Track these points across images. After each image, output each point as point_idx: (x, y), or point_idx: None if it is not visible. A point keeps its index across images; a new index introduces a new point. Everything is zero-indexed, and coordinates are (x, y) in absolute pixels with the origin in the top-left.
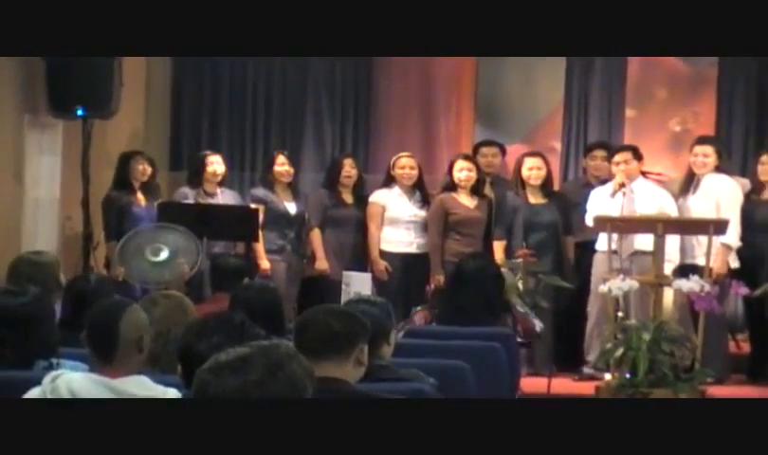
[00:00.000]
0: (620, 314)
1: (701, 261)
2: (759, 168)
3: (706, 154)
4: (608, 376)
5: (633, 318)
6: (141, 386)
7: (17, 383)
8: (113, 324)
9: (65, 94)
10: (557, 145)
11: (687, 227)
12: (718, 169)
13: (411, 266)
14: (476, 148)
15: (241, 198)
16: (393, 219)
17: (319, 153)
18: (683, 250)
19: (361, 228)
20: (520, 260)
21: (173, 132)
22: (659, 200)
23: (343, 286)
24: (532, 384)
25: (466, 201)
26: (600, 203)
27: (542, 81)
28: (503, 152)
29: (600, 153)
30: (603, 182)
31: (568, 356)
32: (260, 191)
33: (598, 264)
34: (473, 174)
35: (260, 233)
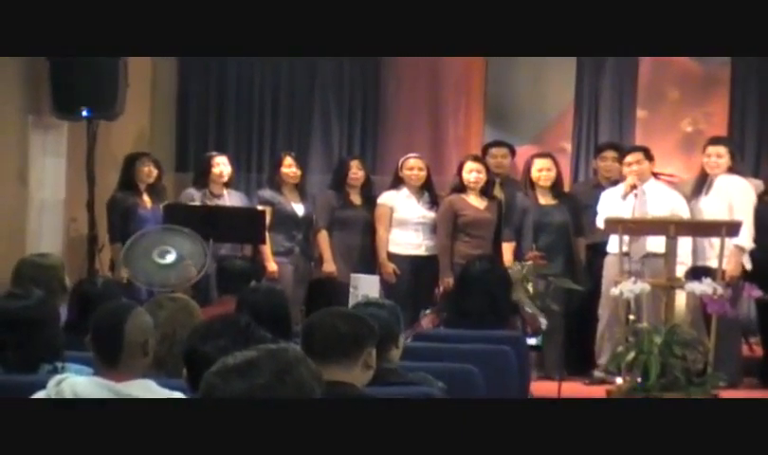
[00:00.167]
0: (631, 317)
1: (713, 263)
2: None
3: (719, 155)
4: (619, 380)
5: (645, 321)
6: (146, 389)
7: (21, 387)
8: (118, 327)
9: (70, 94)
10: (568, 146)
11: (700, 228)
12: (731, 170)
13: (419, 269)
14: (485, 149)
15: (248, 200)
16: (401, 221)
17: (326, 154)
18: (695, 252)
19: (369, 230)
20: (529, 262)
21: (179, 133)
22: (671, 201)
23: (351, 289)
24: (542, 388)
25: (475, 202)
26: (611, 204)
27: (552, 82)
28: (513, 152)
29: (611, 153)
30: (614, 183)
31: (579, 360)
32: (267, 193)
33: (609, 267)
34: (483, 176)
35: (267, 235)
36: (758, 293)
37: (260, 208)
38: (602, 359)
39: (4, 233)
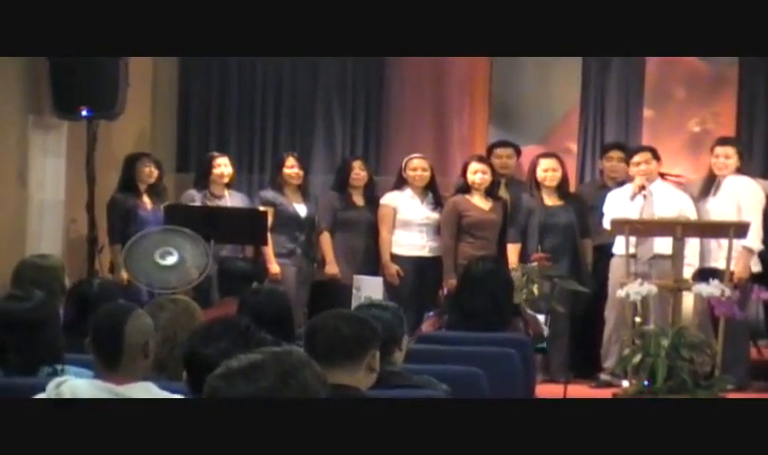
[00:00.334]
0: (638, 319)
1: (721, 264)
2: None
3: (727, 156)
4: (625, 383)
5: (652, 324)
6: (147, 392)
7: (21, 389)
8: (117, 329)
9: (70, 94)
10: (573, 146)
11: (707, 229)
12: (739, 170)
13: (423, 270)
14: (490, 149)
15: (249, 201)
16: (404, 222)
17: (329, 154)
18: (702, 254)
19: (372, 231)
20: (535, 263)
21: (180, 133)
22: (678, 202)
23: (354, 291)
24: (548, 391)
25: (479, 203)
26: (618, 205)
27: (558, 81)
28: (518, 153)
29: (616, 154)
30: (620, 184)
31: (585, 363)
32: (269, 194)
33: (616, 268)
34: (487, 176)
35: (269, 236)
36: (766, 295)
37: (261, 208)
38: (608, 362)
39: (4, 234)
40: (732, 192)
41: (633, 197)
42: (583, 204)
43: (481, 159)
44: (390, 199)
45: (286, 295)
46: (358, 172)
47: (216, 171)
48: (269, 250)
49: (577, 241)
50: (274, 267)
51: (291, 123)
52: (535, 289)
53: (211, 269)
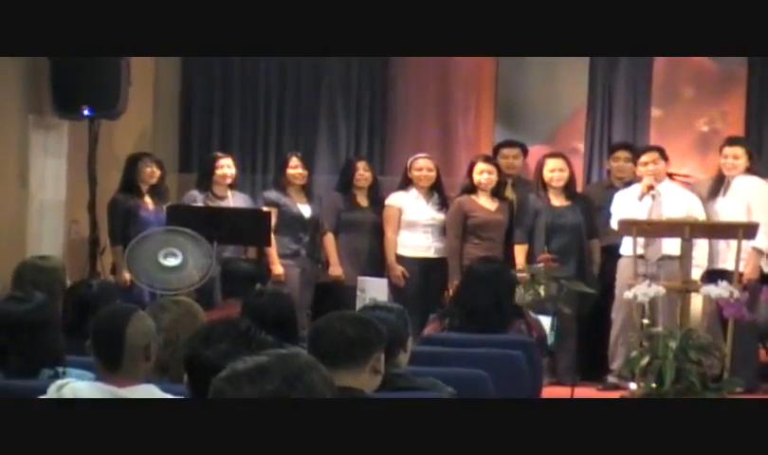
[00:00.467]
0: (646, 321)
1: (730, 266)
2: None
3: (736, 156)
4: (633, 386)
5: (660, 326)
6: (149, 395)
7: (22, 392)
8: (118, 331)
9: (71, 93)
10: (580, 146)
11: (716, 230)
12: (748, 170)
13: (428, 271)
14: (497, 149)
15: (252, 201)
16: (410, 222)
17: (333, 154)
18: (711, 255)
19: (377, 232)
20: (541, 264)
21: (182, 132)
22: (686, 203)
23: (358, 292)
24: (554, 393)
25: (485, 204)
26: (625, 206)
27: (565, 80)
28: (525, 152)
29: (623, 154)
30: (627, 184)
31: (592, 365)
32: (273, 194)
33: (623, 269)
34: (494, 177)
35: (273, 237)
36: None
37: (265, 209)
38: (616, 364)
39: (4, 235)
40: (741, 193)
41: (642, 197)
42: (590, 204)
43: (487, 159)
44: (395, 200)
45: (290, 296)
46: (362, 173)
47: (219, 171)
48: (273, 251)
49: (584, 242)
50: (278, 269)
51: (295, 123)
52: (541, 290)
53: (214, 271)
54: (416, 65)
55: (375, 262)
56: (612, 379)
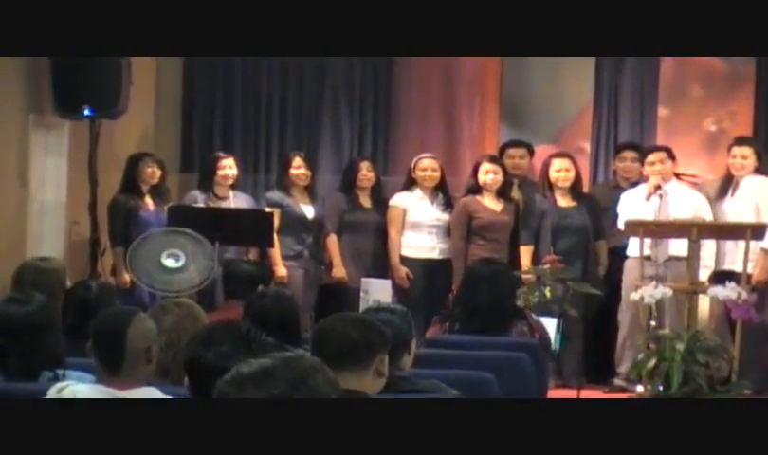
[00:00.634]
0: (653, 323)
1: (738, 267)
2: None
3: (744, 156)
4: (640, 388)
5: (667, 328)
6: (150, 398)
7: (22, 394)
8: (119, 333)
9: (72, 93)
10: (587, 146)
11: (724, 231)
12: (757, 170)
13: (433, 273)
14: (503, 149)
15: (254, 202)
16: (414, 223)
17: (336, 154)
18: (719, 256)
19: (380, 233)
20: (547, 266)
21: (184, 132)
22: (694, 203)
23: (362, 294)
24: (560, 396)
25: (490, 204)
26: (632, 206)
27: (571, 79)
28: (531, 153)
29: (630, 154)
30: (633, 185)
31: (598, 367)
32: (275, 195)
33: (630, 271)
34: (499, 177)
35: (275, 238)
36: None
37: (268, 209)
38: (622, 367)
39: (4, 236)
40: (750, 193)
41: (649, 198)
42: (597, 205)
43: (492, 159)
44: (399, 200)
45: (293, 298)
46: (366, 173)
47: (221, 172)
48: (276, 253)
49: (591, 243)
50: (281, 270)
51: (297, 123)
52: (547, 292)
53: (216, 272)
54: (420, 65)
55: (379, 263)
56: (618, 382)
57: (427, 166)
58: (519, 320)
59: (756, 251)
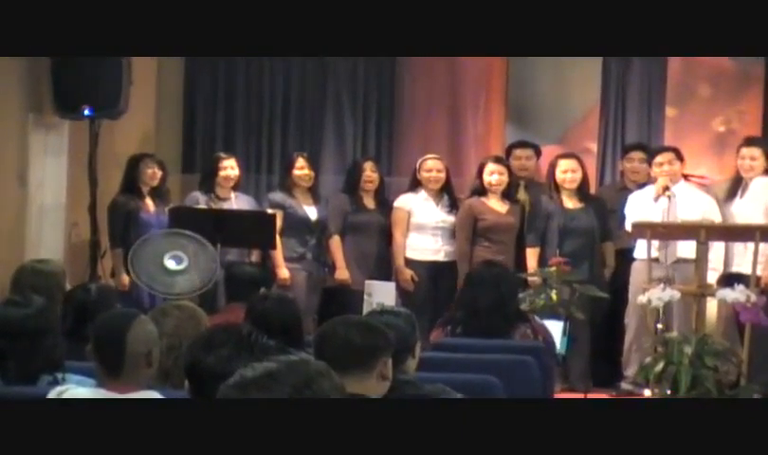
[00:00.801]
0: (660, 326)
1: (747, 269)
2: None
3: (754, 157)
4: (647, 392)
5: (675, 331)
6: None
7: (21, 399)
8: (119, 337)
9: (72, 92)
10: (593, 146)
11: (733, 233)
12: (766, 172)
13: (438, 275)
14: (509, 149)
15: (256, 203)
16: (419, 225)
17: (339, 154)
18: (727, 258)
19: (384, 235)
20: (553, 268)
21: (185, 133)
22: (702, 205)
23: (365, 297)
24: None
25: (496, 206)
26: (639, 208)
27: (577, 79)
28: (538, 154)
29: (638, 154)
30: (641, 186)
31: (605, 371)
32: (278, 196)
33: (637, 273)
34: (504, 178)
35: (278, 240)
36: None
37: (270, 211)
38: (629, 370)
39: (2, 237)
40: (759, 194)
41: (657, 199)
42: (604, 206)
43: (497, 160)
44: (403, 202)
45: (295, 301)
46: (370, 174)
47: (222, 173)
48: (279, 255)
49: (597, 245)
50: (284, 272)
51: (300, 123)
52: (553, 295)
53: (218, 275)
54: (424, 64)
55: (383, 265)
56: (625, 386)
57: (432, 167)
58: (522, 323)
59: (765, 253)
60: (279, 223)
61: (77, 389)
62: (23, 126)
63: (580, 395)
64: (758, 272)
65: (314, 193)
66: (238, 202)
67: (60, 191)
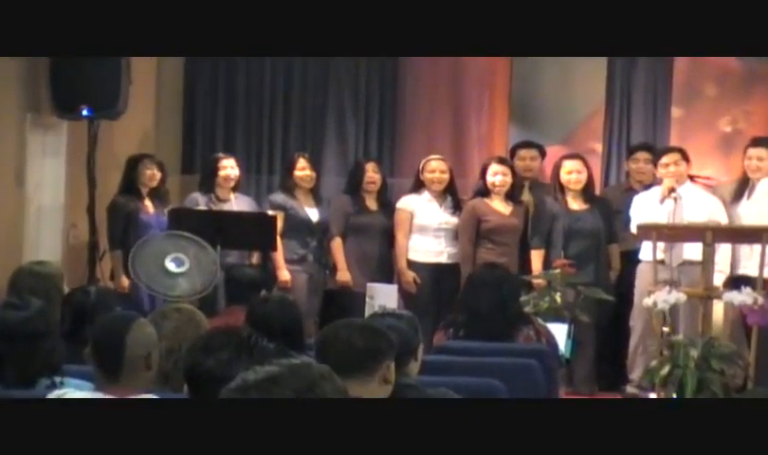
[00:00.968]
0: (666, 329)
1: (754, 271)
2: None
3: (761, 158)
4: (653, 396)
5: (681, 334)
6: None
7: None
8: (118, 339)
9: (70, 92)
10: (598, 147)
11: (739, 235)
12: None
13: (440, 278)
14: (513, 150)
15: (256, 204)
16: (421, 227)
17: (341, 155)
18: (734, 260)
19: (387, 237)
20: (557, 270)
21: (184, 133)
22: (708, 206)
23: (367, 299)
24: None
25: (499, 207)
26: (645, 209)
27: (582, 78)
28: (543, 154)
29: (643, 155)
30: (646, 187)
31: (610, 374)
32: (279, 197)
33: (642, 275)
34: (508, 179)
35: (279, 242)
36: None
37: (271, 212)
38: (635, 374)
39: (0, 239)
40: (766, 196)
41: (663, 200)
42: (609, 208)
43: (501, 160)
44: (406, 203)
45: (296, 304)
46: (372, 175)
47: (222, 173)
48: (279, 257)
49: (603, 247)
50: (284, 274)
51: (301, 123)
52: (558, 297)
53: (218, 277)
54: (427, 63)
55: (385, 267)
56: (631, 389)
57: (435, 168)
58: (524, 325)
59: None
60: (280, 224)
61: (75, 392)
62: (21, 126)
63: (585, 398)
64: (765, 274)
65: (315, 195)
66: (238, 203)
67: (58, 192)
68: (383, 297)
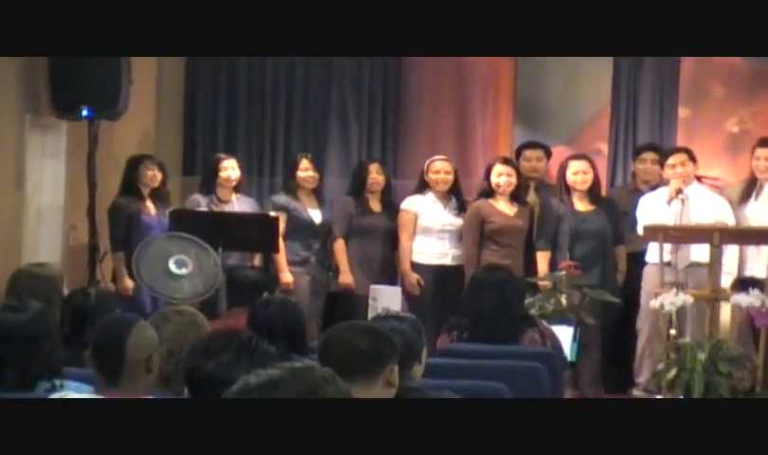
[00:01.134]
0: (673, 331)
1: (761, 273)
2: None
3: None
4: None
5: (688, 336)
6: None
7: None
8: (119, 342)
9: (70, 92)
10: (604, 147)
11: (747, 236)
12: None
13: (445, 280)
14: (519, 150)
15: (258, 205)
16: (425, 228)
17: (344, 156)
18: (742, 262)
19: (390, 238)
20: (563, 272)
21: (186, 133)
22: (715, 207)
23: (370, 301)
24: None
25: (504, 208)
26: (651, 210)
27: (587, 78)
28: (549, 155)
29: (650, 155)
30: (653, 188)
31: (616, 377)
32: (282, 198)
33: (649, 277)
34: (513, 179)
35: (281, 244)
36: None
37: (273, 214)
38: (641, 377)
39: None
40: None
41: (669, 201)
42: (616, 209)
43: (505, 161)
44: (410, 204)
45: (299, 306)
46: (375, 176)
47: (223, 174)
48: (282, 258)
49: (609, 248)
50: (287, 276)
51: (304, 123)
52: (563, 299)
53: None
54: (431, 63)
55: (389, 269)
56: (637, 392)
57: (440, 169)
58: (529, 327)
59: None
60: (282, 226)
61: (74, 395)
62: (20, 127)
63: None
64: None
65: (318, 196)
66: (240, 204)
67: (58, 193)
68: (386, 299)
